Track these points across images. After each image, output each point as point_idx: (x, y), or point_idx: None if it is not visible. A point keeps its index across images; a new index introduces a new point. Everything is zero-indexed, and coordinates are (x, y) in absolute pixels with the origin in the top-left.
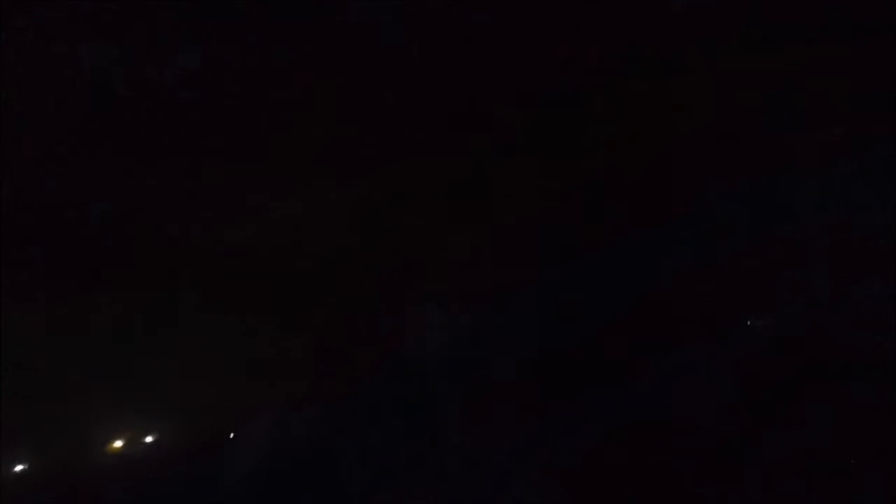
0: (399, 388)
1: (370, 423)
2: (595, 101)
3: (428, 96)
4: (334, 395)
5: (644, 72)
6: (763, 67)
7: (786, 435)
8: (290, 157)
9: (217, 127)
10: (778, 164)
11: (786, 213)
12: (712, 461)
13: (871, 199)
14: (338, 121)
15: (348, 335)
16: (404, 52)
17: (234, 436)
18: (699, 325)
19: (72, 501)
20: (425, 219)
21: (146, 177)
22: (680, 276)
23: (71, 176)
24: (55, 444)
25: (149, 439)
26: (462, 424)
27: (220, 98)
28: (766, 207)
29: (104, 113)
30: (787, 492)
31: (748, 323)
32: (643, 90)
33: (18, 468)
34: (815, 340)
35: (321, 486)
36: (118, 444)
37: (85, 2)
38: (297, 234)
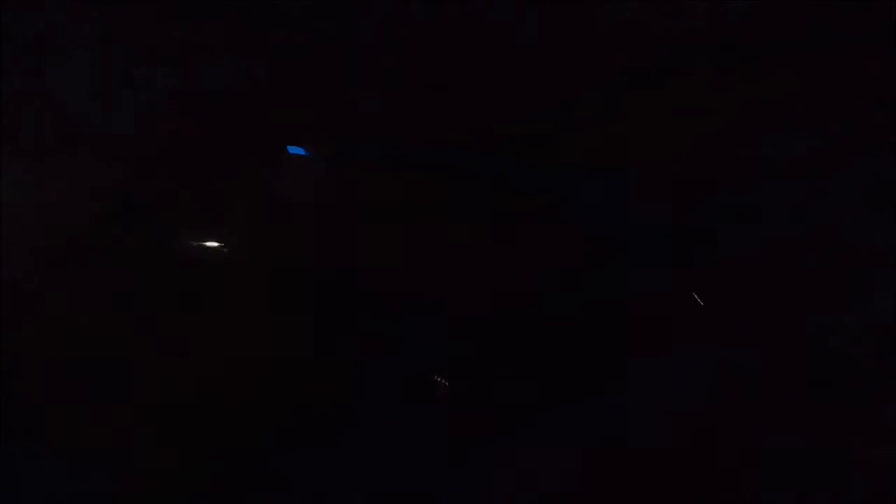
0: (379, 397)
1: (343, 432)
2: (583, 112)
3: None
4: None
5: (635, 85)
6: (757, 81)
7: (771, 449)
8: None
9: None
10: (767, 176)
11: (773, 224)
12: (693, 475)
13: (862, 211)
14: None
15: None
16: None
17: None
18: (682, 336)
19: None
20: (410, 224)
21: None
22: (664, 285)
23: None
24: None
25: None
26: (440, 436)
27: None
28: (754, 218)
29: None
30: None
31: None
32: (634, 103)
33: None
34: (801, 354)
35: None
36: None
37: None
38: None
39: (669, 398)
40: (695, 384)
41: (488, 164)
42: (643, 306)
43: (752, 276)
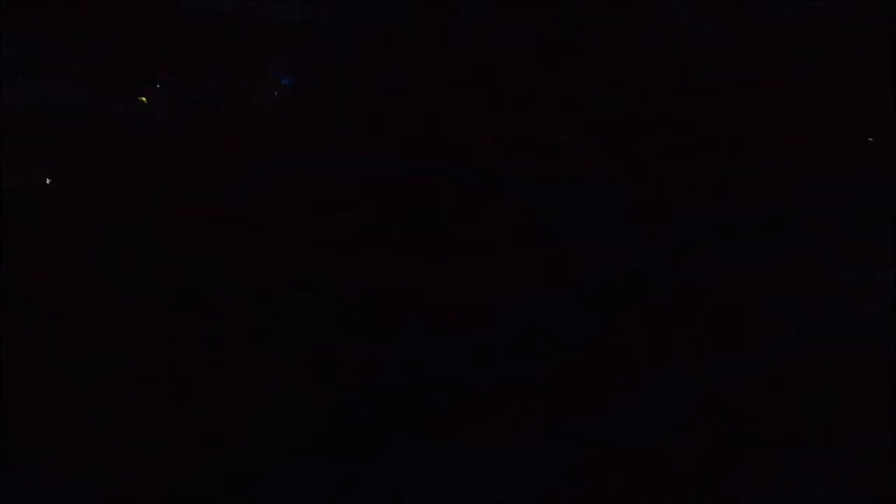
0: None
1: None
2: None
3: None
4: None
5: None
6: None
7: (760, 466)
8: None
9: None
10: (749, 194)
11: (757, 241)
12: (687, 490)
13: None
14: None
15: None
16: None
17: None
18: (675, 353)
19: None
20: (398, 239)
21: None
22: (657, 301)
23: None
24: None
25: None
26: (438, 445)
27: None
28: (740, 235)
29: None
30: None
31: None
32: (626, 120)
33: None
34: (789, 371)
35: None
36: None
37: None
38: None
39: (665, 404)
40: (686, 393)
41: (479, 174)
42: (634, 315)
43: (739, 287)
